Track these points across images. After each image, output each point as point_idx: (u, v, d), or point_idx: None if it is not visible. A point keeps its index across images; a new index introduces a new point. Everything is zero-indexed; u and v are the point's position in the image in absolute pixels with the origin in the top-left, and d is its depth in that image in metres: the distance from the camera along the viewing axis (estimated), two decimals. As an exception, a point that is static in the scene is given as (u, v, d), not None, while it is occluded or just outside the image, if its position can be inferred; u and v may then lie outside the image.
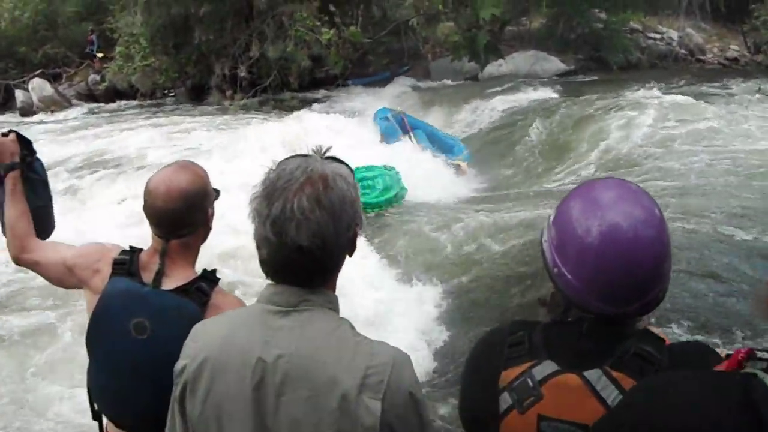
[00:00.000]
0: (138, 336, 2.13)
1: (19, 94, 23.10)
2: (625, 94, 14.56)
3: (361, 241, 1.70)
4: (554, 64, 21.78)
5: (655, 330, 1.56)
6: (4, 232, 2.48)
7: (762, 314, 1.59)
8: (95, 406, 2.32)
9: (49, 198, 2.68)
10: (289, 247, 1.48)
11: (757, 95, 14.93)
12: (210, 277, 2.20)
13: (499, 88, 17.66)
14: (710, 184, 8.58)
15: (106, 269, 2.23)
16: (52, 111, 21.96)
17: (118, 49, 22.66)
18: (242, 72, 20.27)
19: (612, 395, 1.42)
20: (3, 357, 5.59)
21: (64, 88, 24.29)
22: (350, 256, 1.61)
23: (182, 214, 2.15)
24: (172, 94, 22.89)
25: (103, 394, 2.29)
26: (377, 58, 21.68)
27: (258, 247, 1.54)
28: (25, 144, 2.55)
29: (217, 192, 2.28)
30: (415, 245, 7.59)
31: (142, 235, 2.41)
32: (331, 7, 20.01)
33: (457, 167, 11.50)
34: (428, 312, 6.18)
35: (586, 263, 1.47)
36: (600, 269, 1.46)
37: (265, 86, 20.44)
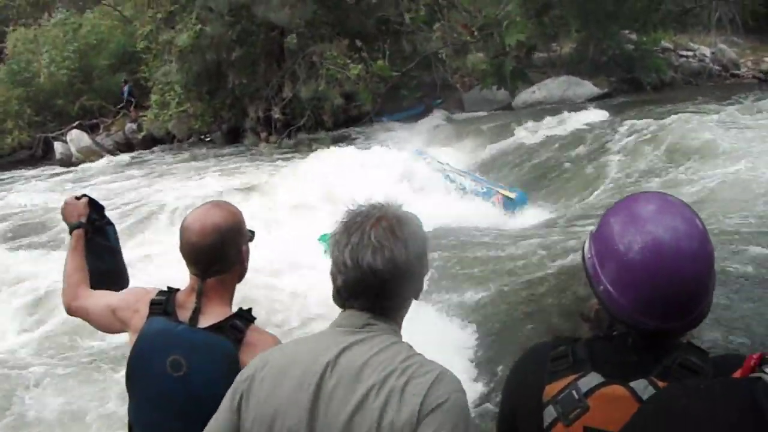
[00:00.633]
0: (174, 373, 2.15)
1: (57, 146, 23.69)
2: (660, 113, 14.44)
3: None
4: (587, 88, 21.68)
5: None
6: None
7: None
8: None
9: (115, 264, 2.83)
10: (364, 270, 1.61)
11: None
12: (245, 316, 2.23)
13: (532, 116, 17.57)
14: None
15: (144, 309, 2.27)
16: (92, 161, 22.36)
17: (153, 97, 23.14)
18: (276, 113, 20.55)
19: None
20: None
21: (102, 138, 24.78)
22: (417, 298, 1.75)
23: (217, 250, 2.19)
24: (209, 138, 23.19)
25: None
26: (410, 92, 21.79)
27: (334, 277, 1.68)
28: (96, 209, 2.77)
29: (252, 233, 2.34)
30: (455, 268, 7.51)
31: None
32: (358, 43, 20.20)
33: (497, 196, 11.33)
34: (466, 332, 6.12)
35: (630, 278, 1.47)
36: (644, 284, 1.45)
37: (299, 126, 20.64)
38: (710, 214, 7.44)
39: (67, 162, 22.78)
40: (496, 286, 6.87)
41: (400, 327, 1.72)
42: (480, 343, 5.87)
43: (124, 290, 2.50)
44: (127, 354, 2.27)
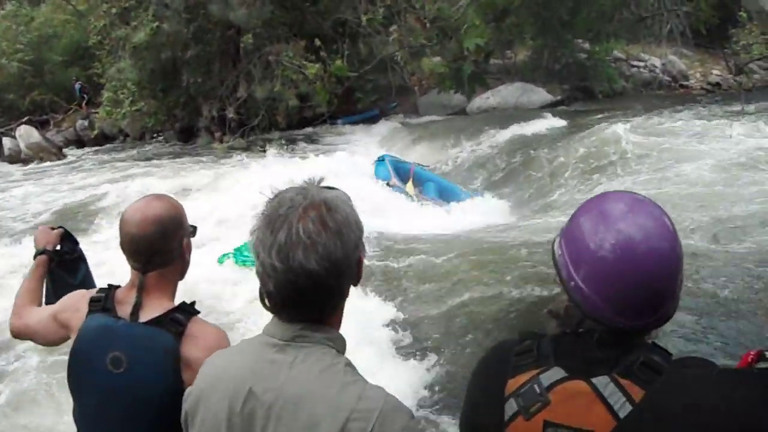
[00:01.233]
0: (115, 370, 2.09)
1: (6, 142, 23.08)
2: (610, 119, 14.82)
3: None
4: (541, 95, 21.97)
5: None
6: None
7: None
8: None
9: None
10: (297, 273, 1.43)
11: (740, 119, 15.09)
12: (187, 309, 2.17)
13: (487, 121, 17.79)
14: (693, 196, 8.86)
15: (84, 308, 2.20)
16: (41, 158, 21.93)
17: (105, 94, 22.74)
18: (230, 113, 20.39)
19: (619, 402, 1.42)
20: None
21: (52, 134, 24.28)
22: (356, 284, 1.57)
23: (157, 240, 2.14)
24: (161, 137, 22.89)
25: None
26: (365, 95, 21.78)
27: (263, 281, 1.48)
28: (70, 242, 2.79)
29: (194, 228, 2.29)
30: (412, 273, 7.52)
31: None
32: (317, 42, 20.18)
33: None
34: (429, 331, 6.16)
35: (601, 276, 1.48)
36: (615, 282, 1.46)
37: (253, 126, 20.51)
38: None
39: (16, 158, 22.27)
40: (453, 292, 6.90)
41: (338, 326, 1.57)
42: (445, 348, 5.87)
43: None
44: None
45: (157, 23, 19.36)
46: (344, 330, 1.58)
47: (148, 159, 19.29)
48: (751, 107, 15.53)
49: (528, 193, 12.06)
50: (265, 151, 17.15)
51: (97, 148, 23.20)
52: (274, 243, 1.43)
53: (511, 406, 1.52)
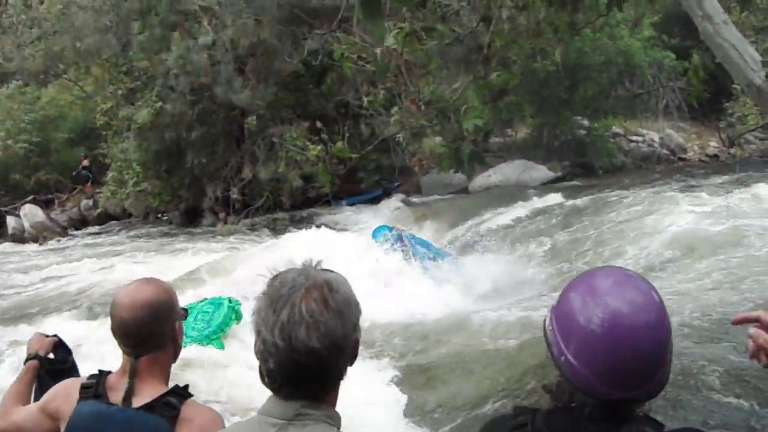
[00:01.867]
0: None
1: (10, 221, 23.22)
2: (611, 195, 14.97)
3: None
4: (542, 172, 22.18)
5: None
6: None
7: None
8: None
9: None
10: (299, 351, 1.45)
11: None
12: (180, 392, 2.16)
13: (489, 198, 17.93)
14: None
15: (75, 394, 2.18)
16: (45, 237, 21.98)
17: (110, 174, 22.90)
18: (234, 194, 20.49)
19: None
20: None
21: (57, 213, 24.40)
22: (351, 364, 1.58)
23: (148, 325, 2.13)
24: (165, 217, 23.01)
25: None
26: (368, 175, 21.94)
27: (263, 359, 1.50)
28: (64, 350, 2.69)
29: (185, 310, 2.30)
30: (404, 347, 7.61)
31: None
32: (318, 125, 20.45)
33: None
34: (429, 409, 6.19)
35: (590, 349, 1.50)
36: (605, 355, 1.49)
37: (257, 207, 20.63)
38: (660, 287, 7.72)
39: (20, 237, 22.36)
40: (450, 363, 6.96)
41: (335, 404, 1.59)
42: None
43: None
44: None
45: (160, 104, 19.64)
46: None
47: (149, 238, 19.36)
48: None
49: (530, 269, 12.08)
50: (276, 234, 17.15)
51: (99, 227, 23.28)
52: (276, 322, 1.46)
53: None
